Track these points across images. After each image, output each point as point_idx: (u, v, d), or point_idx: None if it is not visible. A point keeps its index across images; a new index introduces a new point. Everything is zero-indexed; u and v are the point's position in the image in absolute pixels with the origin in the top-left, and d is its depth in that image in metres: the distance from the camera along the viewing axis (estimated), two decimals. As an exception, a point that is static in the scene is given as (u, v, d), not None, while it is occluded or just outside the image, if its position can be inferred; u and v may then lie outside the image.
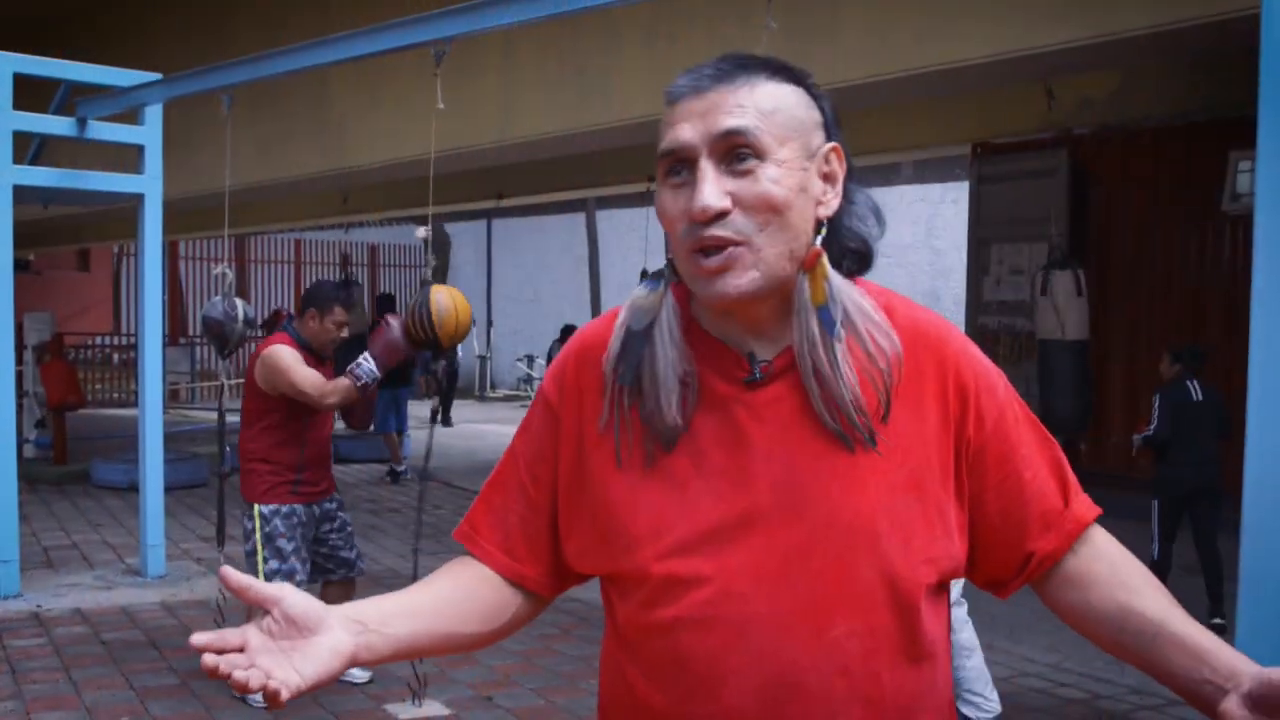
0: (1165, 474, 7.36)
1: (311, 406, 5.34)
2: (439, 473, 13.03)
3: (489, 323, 27.08)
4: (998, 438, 1.50)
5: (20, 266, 12.94)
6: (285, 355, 5.34)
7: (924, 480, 1.45)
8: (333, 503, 5.67)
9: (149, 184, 7.87)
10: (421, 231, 20.70)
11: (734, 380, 1.47)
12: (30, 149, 8.03)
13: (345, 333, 5.56)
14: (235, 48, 8.17)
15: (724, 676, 1.41)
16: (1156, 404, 7.37)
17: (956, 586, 3.04)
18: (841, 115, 1.52)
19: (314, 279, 27.45)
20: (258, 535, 5.41)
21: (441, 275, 21.49)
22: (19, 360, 10.96)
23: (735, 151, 1.40)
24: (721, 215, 1.39)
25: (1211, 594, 7.02)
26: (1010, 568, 1.54)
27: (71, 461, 12.85)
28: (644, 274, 7.92)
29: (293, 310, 24.12)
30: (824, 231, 1.46)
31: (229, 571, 1.35)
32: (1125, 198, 11.30)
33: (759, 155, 1.40)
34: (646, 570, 1.45)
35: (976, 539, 1.51)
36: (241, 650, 1.30)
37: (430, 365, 5.41)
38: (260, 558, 5.40)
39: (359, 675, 5.78)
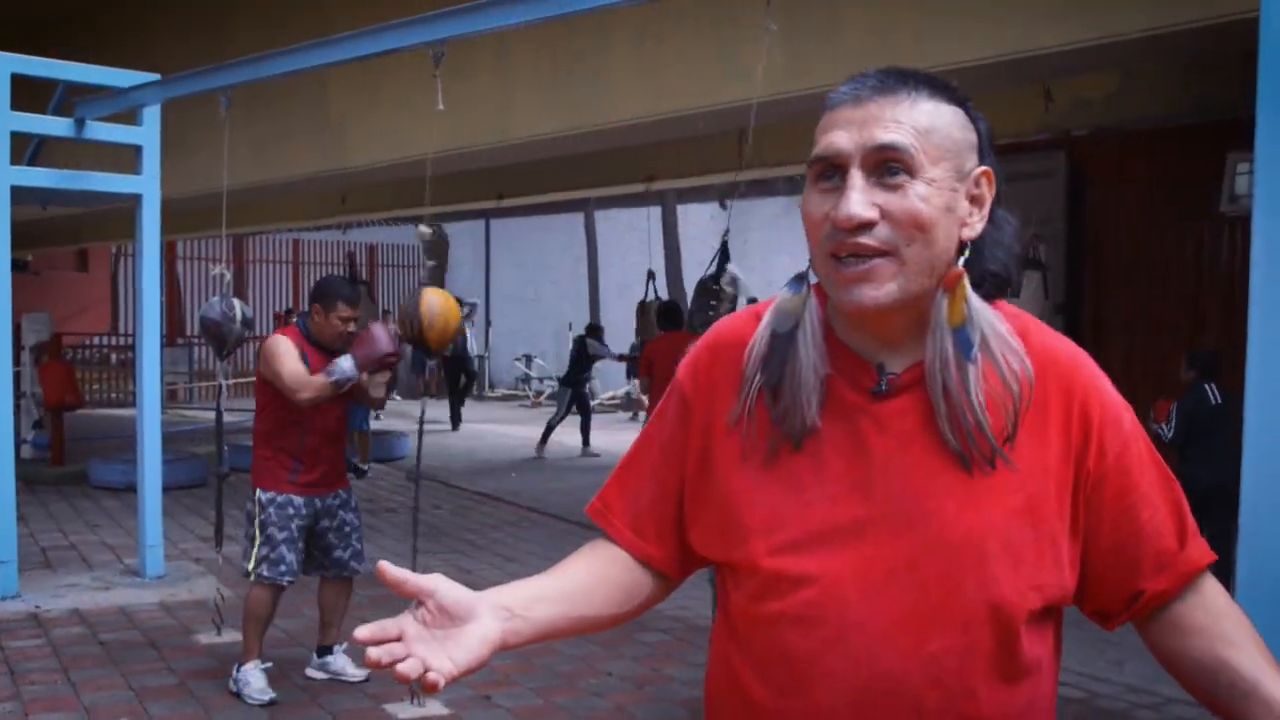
0: (1183, 472, 7.38)
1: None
2: (438, 472, 13.04)
3: (487, 322, 27.08)
4: (1118, 472, 1.50)
5: (18, 267, 12.95)
6: (280, 345, 5.43)
7: (1040, 507, 1.46)
8: (336, 499, 5.67)
9: (147, 184, 7.86)
10: (424, 230, 20.69)
11: (861, 390, 1.50)
12: (28, 149, 8.02)
13: (352, 328, 5.59)
14: (234, 48, 8.16)
15: (821, 676, 1.44)
16: (1174, 411, 7.56)
17: None
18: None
19: (313, 279, 27.50)
20: (256, 520, 5.50)
21: (440, 275, 21.43)
22: (16, 361, 10.96)
23: (887, 165, 1.41)
24: (867, 225, 1.40)
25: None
26: (1118, 602, 1.55)
27: (69, 462, 12.83)
28: (650, 275, 7.95)
29: (297, 309, 24.14)
30: (967, 253, 1.47)
31: (386, 567, 1.41)
32: (1122, 199, 11.31)
33: (910, 172, 1.41)
34: (757, 563, 1.50)
35: (1088, 571, 1.52)
36: (399, 640, 1.37)
37: (423, 366, 5.46)
38: (256, 542, 5.48)
39: (355, 674, 5.78)
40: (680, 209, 22.78)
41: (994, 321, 1.46)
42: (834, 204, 1.42)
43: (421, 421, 5.65)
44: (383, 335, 5.41)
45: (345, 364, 5.29)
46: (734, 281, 5.00)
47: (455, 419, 18.39)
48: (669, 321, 10.78)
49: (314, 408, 5.44)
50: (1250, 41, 3.49)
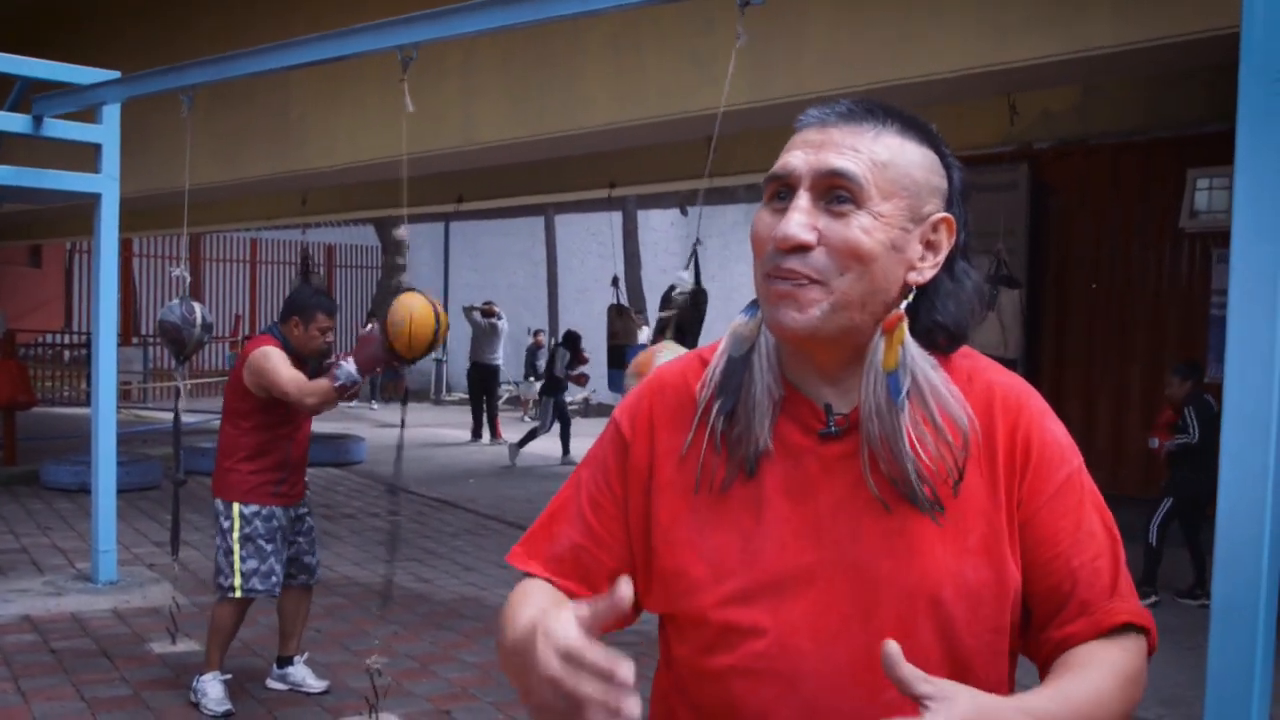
0: (1187, 478, 7.92)
1: (294, 407, 5.34)
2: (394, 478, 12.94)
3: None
4: (1052, 512, 1.45)
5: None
6: (273, 356, 5.35)
7: (996, 545, 1.43)
8: (304, 506, 5.67)
9: (106, 183, 7.74)
10: (402, 232, 20.59)
11: (809, 431, 1.46)
12: (-16, 146, 7.89)
13: (330, 337, 5.53)
14: (195, 47, 8.07)
15: None
16: (1191, 415, 7.90)
17: None
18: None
19: (271, 279, 27.32)
20: (235, 535, 5.39)
21: (397, 276, 21.37)
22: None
23: (835, 192, 1.38)
24: (803, 249, 1.37)
25: (1198, 573, 7.99)
26: (1037, 652, 1.49)
27: (21, 462, 12.66)
28: (615, 280, 7.92)
29: (254, 312, 24.00)
30: (910, 297, 1.43)
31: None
32: (1084, 212, 11.40)
33: (857, 202, 1.38)
34: (705, 616, 1.45)
35: (1024, 615, 1.48)
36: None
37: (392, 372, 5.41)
38: (237, 557, 5.38)
39: (315, 685, 5.72)
40: (640, 215, 22.79)
41: (929, 371, 1.42)
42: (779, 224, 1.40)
43: (402, 426, 5.58)
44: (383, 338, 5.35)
45: (349, 367, 5.22)
46: (683, 290, 4.94)
47: (479, 429, 18.09)
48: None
49: (296, 420, 5.38)
50: (1214, 58, 3.51)
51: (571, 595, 1.53)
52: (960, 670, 1.38)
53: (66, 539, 9.31)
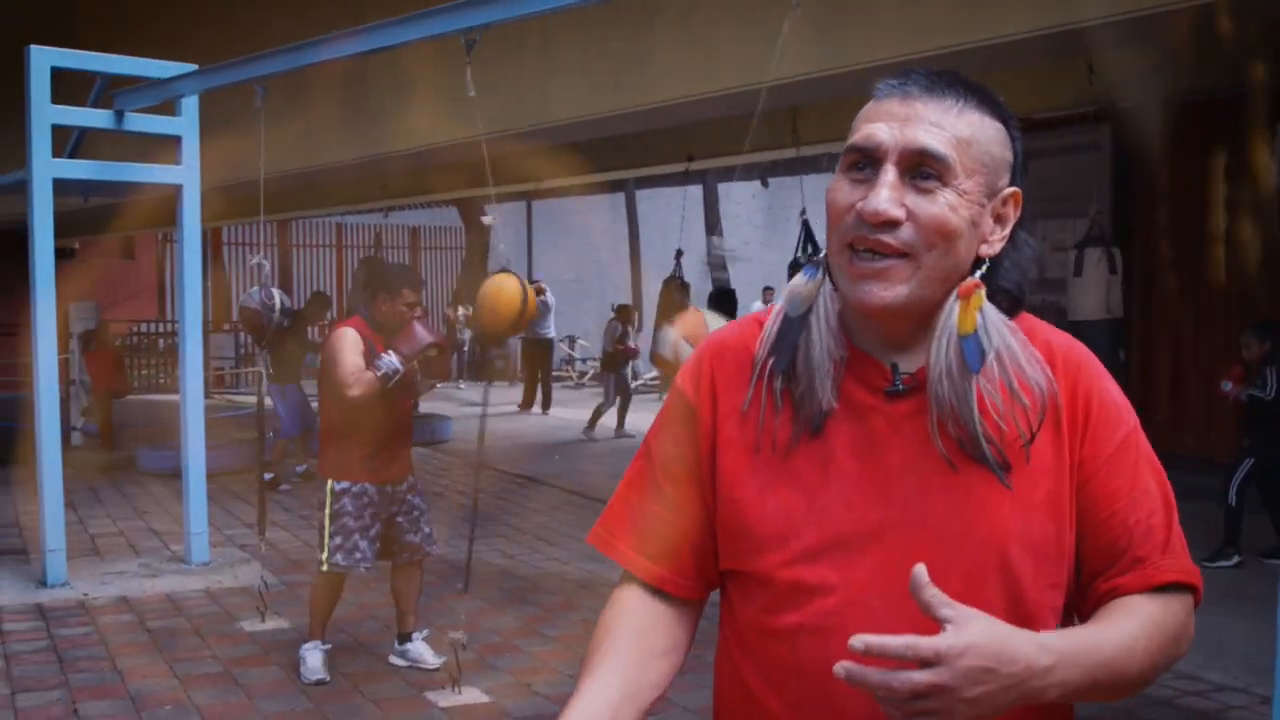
0: (1268, 437, 7.83)
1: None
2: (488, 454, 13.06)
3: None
4: (1111, 471, 1.46)
5: (64, 255, 13.07)
6: (341, 339, 5.40)
7: (1059, 503, 1.44)
8: (405, 485, 5.69)
9: (187, 174, 7.91)
10: (489, 219, 20.77)
11: (875, 390, 1.47)
12: (69, 142, 8.07)
13: (419, 312, 5.57)
14: (270, 40, 8.17)
15: (841, 687, 1.38)
16: (1273, 374, 7.80)
17: None
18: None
19: (355, 262, 27.62)
20: (327, 510, 5.49)
21: (481, 257, 21.55)
22: (64, 349, 11.07)
23: (922, 168, 1.40)
24: (892, 224, 1.39)
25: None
26: (1089, 600, 1.49)
27: (118, 448, 12.97)
28: (679, 254, 7.92)
29: (340, 291, 24.26)
30: (983, 268, 1.46)
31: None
32: (1168, 171, 11.16)
33: (943, 179, 1.39)
34: (772, 574, 1.46)
35: (1081, 568, 1.49)
36: None
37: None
38: (326, 532, 5.48)
39: (432, 662, 5.79)
40: (721, 187, 22.69)
41: (1008, 337, 1.44)
42: (862, 195, 1.41)
43: (485, 405, 5.62)
44: (422, 331, 5.40)
45: (390, 358, 5.27)
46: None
47: (530, 401, 18.31)
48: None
49: (386, 397, 5.41)
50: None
51: (660, 581, 1.56)
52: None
53: (161, 522, 9.53)
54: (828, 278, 1.50)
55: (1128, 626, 1.39)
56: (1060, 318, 11.08)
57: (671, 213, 24.52)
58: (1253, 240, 10.67)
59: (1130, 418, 1.50)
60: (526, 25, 6.75)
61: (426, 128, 9.61)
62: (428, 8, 5.67)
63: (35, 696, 5.47)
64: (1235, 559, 7.56)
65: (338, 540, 5.47)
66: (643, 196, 24.93)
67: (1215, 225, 10.93)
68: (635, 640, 1.54)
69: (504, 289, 5.16)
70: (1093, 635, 1.37)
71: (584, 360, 25.07)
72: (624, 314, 15.99)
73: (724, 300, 11.02)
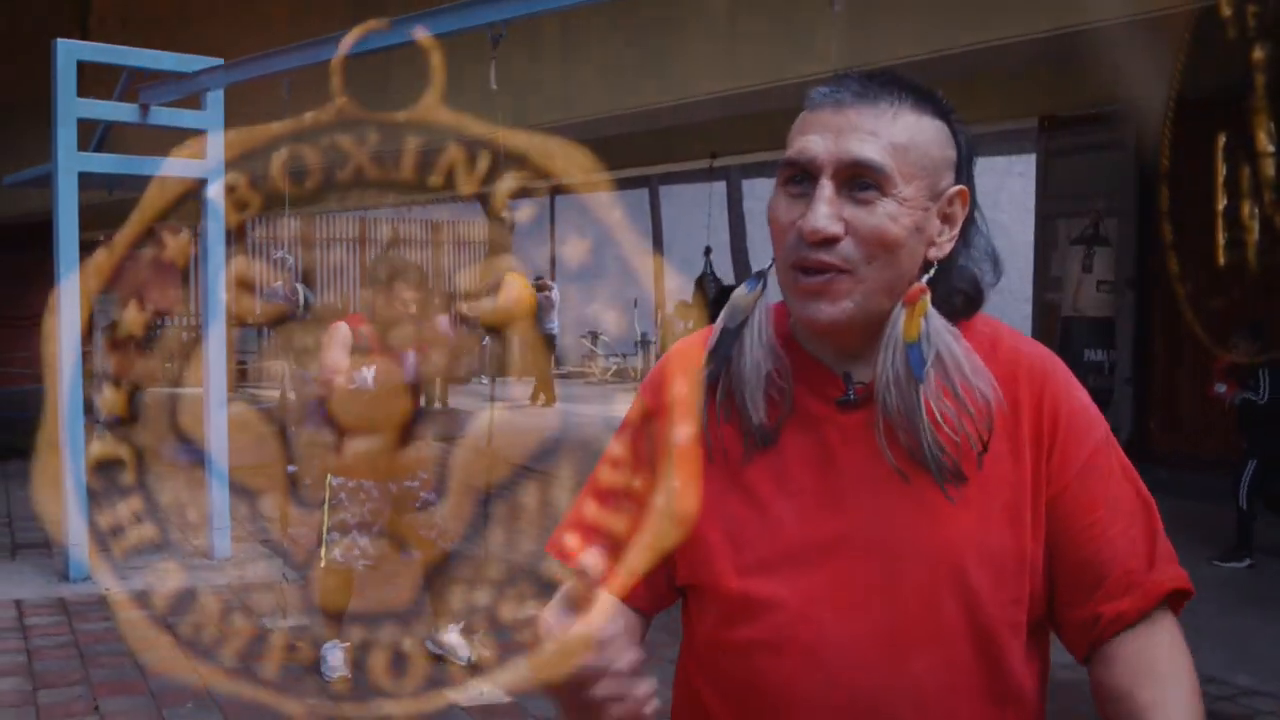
0: (1266, 436, 7.80)
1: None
2: (504, 451, 13.04)
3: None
4: (1082, 484, 1.42)
5: (90, 248, 13.10)
6: (335, 335, 5.39)
7: (1018, 513, 1.40)
8: (411, 481, 5.64)
9: (212, 168, 7.89)
10: (509, 215, 20.85)
11: (827, 400, 1.44)
12: (95, 136, 8.08)
13: (414, 309, 5.51)
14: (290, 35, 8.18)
15: (796, 702, 1.38)
16: (1266, 375, 7.79)
17: None
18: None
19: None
20: (325, 506, 5.49)
21: (502, 251, 21.55)
22: (88, 341, 11.10)
23: (859, 179, 1.36)
24: (831, 240, 1.36)
25: None
26: (1080, 628, 1.44)
27: (141, 441, 12.98)
28: (708, 250, 7.93)
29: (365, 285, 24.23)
30: (931, 272, 1.42)
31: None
32: (1193, 171, 11.06)
33: (882, 189, 1.36)
34: (723, 585, 1.43)
35: (1056, 589, 1.44)
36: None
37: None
38: (324, 527, 5.47)
39: (464, 655, 5.78)
40: (745, 184, 22.65)
41: (951, 343, 1.40)
42: (801, 211, 1.38)
43: (492, 398, 5.60)
44: (445, 325, 5.38)
45: (366, 374, 5.25)
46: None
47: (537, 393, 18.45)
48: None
49: (388, 393, 5.38)
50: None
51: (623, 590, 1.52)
52: (984, 641, 1.37)
53: (183, 516, 9.51)
54: (766, 291, 1.48)
55: (1183, 699, 1.37)
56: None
57: (694, 210, 24.52)
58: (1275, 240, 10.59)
59: (1101, 425, 1.47)
60: (547, 23, 6.72)
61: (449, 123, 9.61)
62: (452, 1, 5.66)
63: (57, 693, 5.47)
64: (1246, 561, 7.51)
65: (335, 536, 5.44)
66: (665, 193, 24.91)
67: (1239, 224, 10.84)
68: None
69: (510, 286, 5.15)
70: None
71: (607, 357, 25.04)
72: (684, 311, 15.92)
73: (726, 298, 11.00)
